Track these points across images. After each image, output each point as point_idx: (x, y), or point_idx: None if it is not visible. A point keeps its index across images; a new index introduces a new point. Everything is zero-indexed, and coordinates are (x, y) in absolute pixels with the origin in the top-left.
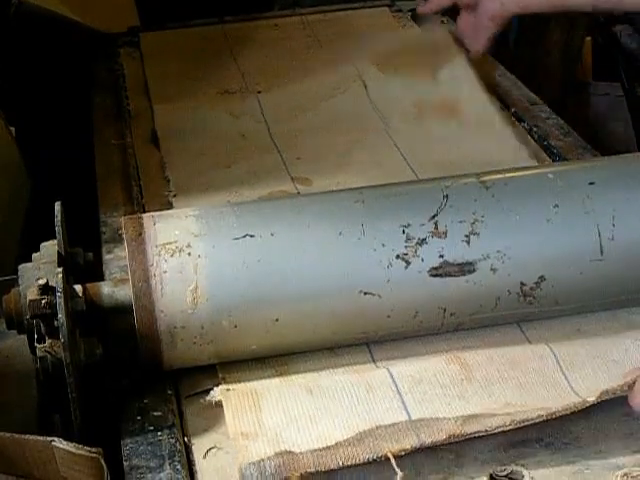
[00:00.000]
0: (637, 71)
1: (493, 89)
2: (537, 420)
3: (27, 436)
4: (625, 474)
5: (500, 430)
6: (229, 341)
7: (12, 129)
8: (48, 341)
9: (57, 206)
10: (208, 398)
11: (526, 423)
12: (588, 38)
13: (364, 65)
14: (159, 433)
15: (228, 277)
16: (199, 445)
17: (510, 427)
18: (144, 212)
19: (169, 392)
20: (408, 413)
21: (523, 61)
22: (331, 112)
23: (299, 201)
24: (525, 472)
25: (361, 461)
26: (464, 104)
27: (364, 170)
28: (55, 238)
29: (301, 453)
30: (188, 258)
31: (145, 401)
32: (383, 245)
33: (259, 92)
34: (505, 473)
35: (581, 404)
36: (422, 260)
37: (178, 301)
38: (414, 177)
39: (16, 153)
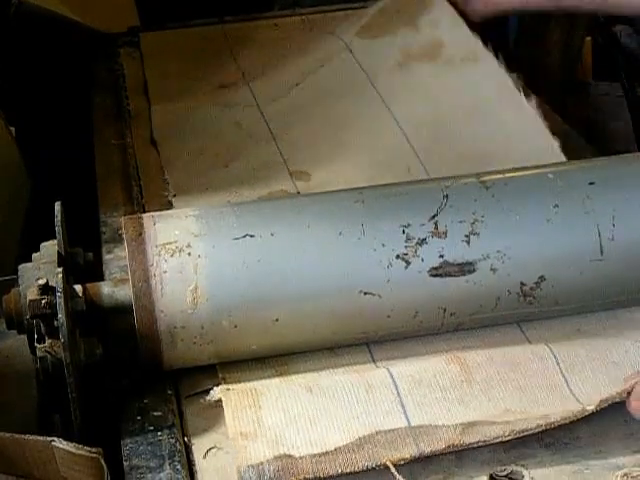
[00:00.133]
0: (637, 71)
1: None
2: (536, 430)
3: (27, 436)
4: (625, 474)
5: (499, 440)
6: (229, 341)
7: (12, 129)
8: (48, 341)
9: (57, 206)
10: (208, 398)
11: (525, 433)
12: (588, 38)
13: (348, 35)
14: (159, 433)
15: (228, 277)
16: (199, 445)
17: (509, 438)
18: (144, 212)
19: (169, 392)
20: (407, 418)
21: (523, 61)
22: (317, 84)
23: (299, 201)
24: (525, 472)
25: (360, 469)
26: (447, 44)
27: (360, 154)
28: (55, 238)
29: (300, 458)
30: (188, 258)
31: (145, 401)
32: (383, 245)
33: (253, 84)
34: (505, 473)
35: (580, 413)
36: (422, 260)
37: (178, 301)
38: (412, 151)
39: (16, 153)
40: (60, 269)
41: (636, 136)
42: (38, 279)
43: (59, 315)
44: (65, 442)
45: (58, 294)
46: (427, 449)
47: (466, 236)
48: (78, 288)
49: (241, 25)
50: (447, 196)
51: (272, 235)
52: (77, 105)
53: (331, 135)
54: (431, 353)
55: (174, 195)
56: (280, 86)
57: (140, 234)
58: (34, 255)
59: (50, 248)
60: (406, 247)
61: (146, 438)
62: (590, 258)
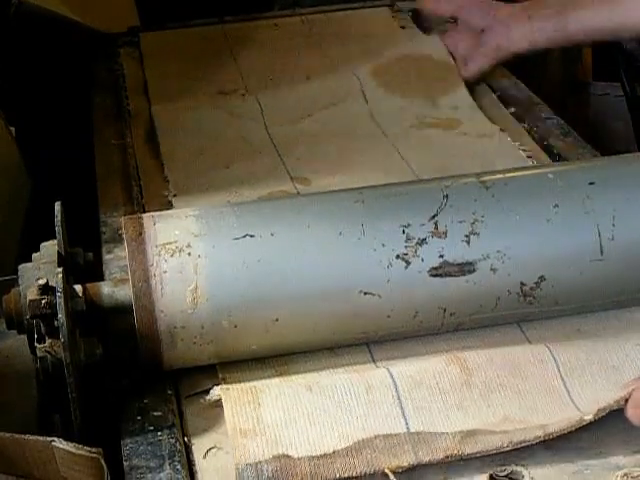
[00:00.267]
0: (637, 71)
1: (493, 90)
2: (534, 442)
3: (27, 436)
4: (625, 474)
5: (497, 452)
6: (229, 341)
7: (12, 129)
8: (48, 341)
9: (57, 206)
10: (208, 397)
11: (523, 444)
12: None
13: (363, 74)
14: (159, 433)
15: (228, 277)
16: (199, 445)
17: (507, 449)
18: (144, 212)
19: (169, 392)
20: (407, 422)
21: (523, 61)
22: (330, 120)
23: (299, 201)
24: (525, 472)
25: (358, 474)
26: (465, 122)
27: (364, 170)
28: (55, 238)
29: (299, 459)
30: (188, 258)
31: (145, 401)
32: (383, 245)
33: (259, 93)
34: (505, 473)
35: (578, 423)
36: (422, 260)
37: (178, 301)
38: (414, 177)
39: (16, 153)
40: (60, 269)
41: (636, 136)
42: (38, 279)
43: (59, 315)
44: (65, 442)
45: (58, 294)
46: (425, 458)
47: (466, 236)
48: (78, 288)
49: (241, 25)
50: (447, 196)
51: (272, 235)
52: (77, 105)
53: (339, 167)
54: (431, 353)
55: (174, 195)
56: (290, 111)
57: (140, 234)
58: (34, 255)
59: (50, 248)
60: (406, 247)
61: (146, 438)
62: (590, 258)
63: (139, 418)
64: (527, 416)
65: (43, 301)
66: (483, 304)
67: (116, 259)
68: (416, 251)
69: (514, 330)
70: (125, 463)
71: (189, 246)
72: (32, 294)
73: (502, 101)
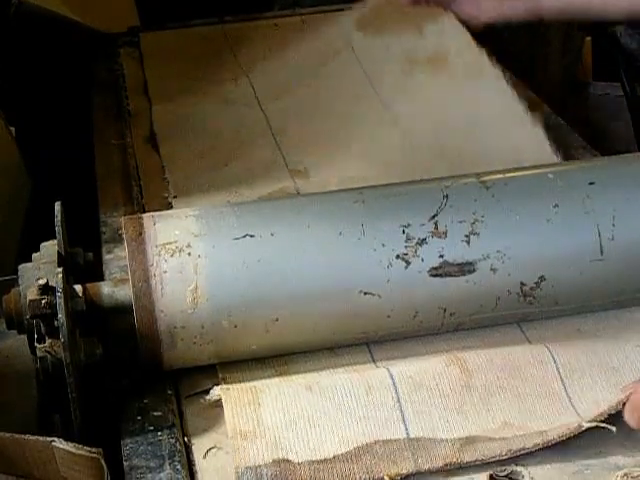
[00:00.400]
0: (637, 71)
1: None
2: (533, 449)
3: (27, 436)
4: (625, 474)
5: (496, 460)
6: (229, 341)
7: (12, 129)
8: (48, 341)
9: (57, 206)
10: (208, 397)
11: (522, 452)
12: (588, 38)
13: (350, 31)
14: (159, 433)
15: (228, 277)
16: (199, 445)
17: (506, 457)
18: (144, 212)
19: (169, 392)
20: (406, 427)
21: (523, 61)
22: (321, 82)
23: (299, 201)
24: (525, 472)
25: None
26: (453, 57)
27: (360, 154)
28: (55, 238)
29: (299, 464)
30: (188, 258)
31: (145, 401)
32: (383, 245)
33: (252, 75)
34: (505, 473)
35: (577, 429)
36: (422, 260)
37: (178, 301)
38: (411, 153)
39: (16, 153)
40: (60, 269)
41: (636, 136)
42: (38, 279)
43: (59, 315)
44: (65, 442)
45: (58, 294)
46: (425, 466)
47: (466, 236)
48: (78, 288)
49: (241, 25)
50: (447, 196)
51: (272, 235)
52: (77, 105)
53: (331, 134)
54: (431, 353)
55: (174, 196)
56: (281, 83)
57: (140, 234)
58: (34, 255)
59: (50, 248)
60: (406, 247)
61: (146, 438)
62: (590, 258)
63: (139, 418)
64: (526, 421)
65: (43, 301)
66: (483, 304)
67: (116, 259)
68: (416, 251)
69: (514, 330)
70: (125, 463)
71: (189, 246)
72: (32, 294)
73: None
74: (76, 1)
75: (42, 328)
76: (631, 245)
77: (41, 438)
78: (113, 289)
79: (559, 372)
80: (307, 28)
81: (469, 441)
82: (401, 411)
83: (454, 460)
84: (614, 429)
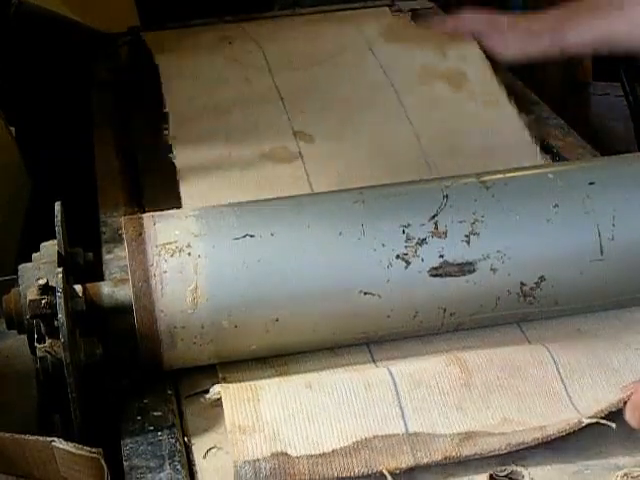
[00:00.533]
0: (637, 71)
1: None
2: (532, 444)
3: (27, 436)
4: (625, 474)
5: (495, 454)
6: (229, 341)
7: (12, 129)
8: (48, 341)
9: (57, 206)
10: (208, 395)
11: (521, 447)
12: None
13: (371, 34)
14: (159, 433)
15: (228, 277)
16: (199, 445)
17: (505, 451)
18: (144, 212)
19: (169, 392)
20: (405, 423)
21: (523, 61)
22: (339, 70)
23: (299, 201)
24: (525, 472)
25: (356, 474)
26: (470, 79)
27: (368, 138)
28: (55, 238)
29: (297, 458)
30: (188, 258)
31: (145, 401)
32: (383, 245)
33: (264, 43)
34: (505, 473)
35: (577, 425)
36: (422, 260)
37: (178, 301)
38: (418, 145)
39: (16, 153)
40: (60, 269)
41: (636, 136)
42: (38, 279)
43: (59, 315)
44: (65, 442)
45: (58, 294)
46: (423, 459)
47: (466, 236)
48: (78, 288)
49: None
50: (447, 196)
51: (272, 235)
52: (77, 105)
53: (343, 113)
54: (431, 353)
55: (174, 137)
56: (297, 59)
57: (140, 234)
58: (34, 255)
59: (50, 248)
60: (406, 247)
61: (146, 438)
62: (590, 258)
63: (139, 418)
64: (526, 418)
65: (43, 301)
66: (483, 304)
67: (116, 259)
68: (416, 251)
69: (514, 330)
70: (125, 463)
71: (189, 246)
72: (32, 294)
73: None
74: (76, 1)
75: (42, 328)
76: (631, 245)
77: (41, 438)
78: (113, 289)
79: (559, 372)
80: (327, 24)
81: (468, 436)
82: (400, 407)
83: (453, 454)
84: (614, 425)
